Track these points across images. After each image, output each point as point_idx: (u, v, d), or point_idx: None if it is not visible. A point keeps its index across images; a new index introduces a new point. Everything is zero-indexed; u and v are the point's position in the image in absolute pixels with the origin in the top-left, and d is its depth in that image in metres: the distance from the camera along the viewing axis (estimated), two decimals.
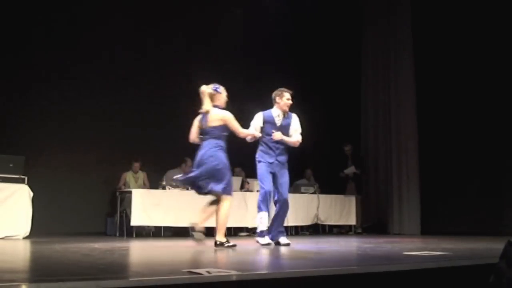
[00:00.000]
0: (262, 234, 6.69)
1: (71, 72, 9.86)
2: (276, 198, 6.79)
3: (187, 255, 5.82)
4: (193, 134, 6.51)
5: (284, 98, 6.85)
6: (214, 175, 6.22)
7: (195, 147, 10.46)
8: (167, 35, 10.69)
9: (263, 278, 3.46)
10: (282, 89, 6.93)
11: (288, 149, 6.89)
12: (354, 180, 11.08)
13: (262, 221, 6.67)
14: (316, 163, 11.55)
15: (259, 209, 6.69)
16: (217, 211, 6.25)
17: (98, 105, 10.06)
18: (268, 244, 6.62)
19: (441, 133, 10.66)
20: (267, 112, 6.91)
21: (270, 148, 6.78)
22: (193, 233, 6.28)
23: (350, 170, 11.06)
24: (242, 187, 9.80)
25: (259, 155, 6.82)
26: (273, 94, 6.92)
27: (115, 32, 10.15)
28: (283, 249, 6.29)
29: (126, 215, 8.95)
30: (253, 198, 9.40)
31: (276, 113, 6.88)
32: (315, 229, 10.46)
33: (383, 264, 4.60)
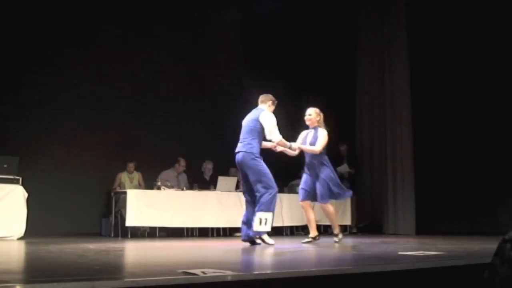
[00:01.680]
0: (268, 234, 6.67)
1: (65, 73, 9.82)
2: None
3: (182, 255, 5.82)
4: None
5: (273, 107, 6.99)
6: None
7: (189, 148, 10.47)
8: (163, 35, 10.67)
9: (258, 279, 3.46)
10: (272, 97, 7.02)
11: None
12: (349, 180, 11.07)
13: (270, 222, 6.58)
14: None
15: (271, 209, 6.56)
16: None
17: (93, 106, 10.03)
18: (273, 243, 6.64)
19: (437, 133, 10.68)
20: None
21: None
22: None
23: (344, 168, 11.04)
24: (237, 188, 9.80)
25: (257, 152, 6.70)
26: (269, 98, 6.94)
27: (110, 33, 10.13)
28: (277, 250, 6.29)
29: (121, 215, 8.93)
30: None
31: None
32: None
33: (378, 264, 4.61)
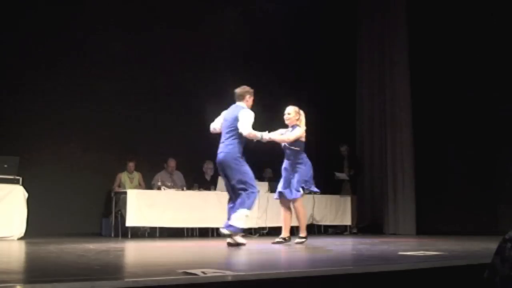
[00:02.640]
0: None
1: (65, 73, 9.81)
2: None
3: (183, 255, 5.82)
4: None
5: (252, 99, 6.91)
6: None
7: (190, 148, 10.46)
8: (163, 36, 10.66)
9: (258, 279, 3.46)
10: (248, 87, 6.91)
11: None
12: (349, 180, 11.07)
13: (247, 220, 6.70)
14: (312, 163, 11.52)
15: (251, 208, 6.62)
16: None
17: (93, 106, 10.01)
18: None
19: (437, 133, 10.69)
20: None
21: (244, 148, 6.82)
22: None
23: (342, 175, 11.02)
24: None
25: (239, 152, 6.64)
26: (245, 91, 6.84)
27: (110, 33, 10.12)
28: (278, 250, 6.29)
29: (121, 215, 8.94)
30: None
31: None
32: (311, 230, 10.45)
33: (378, 264, 4.61)
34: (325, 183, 11.03)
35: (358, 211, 10.95)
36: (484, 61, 10.05)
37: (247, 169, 6.62)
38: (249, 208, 6.53)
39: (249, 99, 6.84)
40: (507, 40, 9.79)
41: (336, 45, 11.85)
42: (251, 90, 6.87)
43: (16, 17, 9.44)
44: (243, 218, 6.49)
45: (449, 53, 10.51)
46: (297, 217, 7.15)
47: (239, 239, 6.57)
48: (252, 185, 6.59)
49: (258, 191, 6.74)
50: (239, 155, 6.62)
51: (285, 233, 7.11)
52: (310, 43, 11.94)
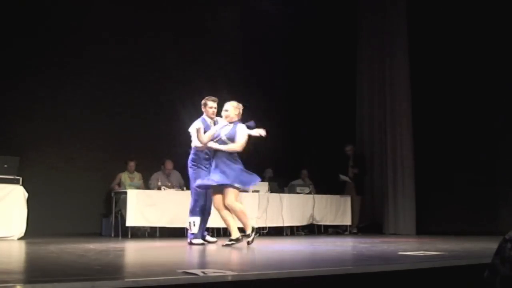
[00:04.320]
0: (196, 235, 6.97)
1: (65, 73, 9.82)
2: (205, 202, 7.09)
3: (183, 255, 5.83)
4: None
5: (207, 107, 7.15)
6: None
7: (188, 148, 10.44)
8: (162, 36, 10.67)
9: (258, 279, 3.46)
10: (207, 97, 7.20)
11: None
12: (354, 180, 11.06)
13: (198, 224, 6.96)
14: (313, 163, 11.55)
15: (194, 214, 6.98)
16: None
17: (93, 106, 10.03)
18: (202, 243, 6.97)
19: (437, 133, 10.68)
20: (202, 119, 7.12)
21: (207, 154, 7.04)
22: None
23: (345, 178, 11.01)
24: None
25: (191, 159, 7.07)
26: (202, 102, 7.23)
27: (111, 33, 10.13)
28: (278, 250, 6.29)
29: (121, 215, 8.93)
30: (248, 198, 9.39)
31: (208, 121, 7.16)
32: (311, 229, 10.47)
33: (378, 264, 4.61)
34: (330, 183, 11.05)
35: (361, 211, 10.93)
36: (485, 58, 10.03)
37: (196, 176, 6.99)
38: (193, 215, 6.97)
39: (204, 109, 7.22)
40: (508, 37, 9.78)
41: (336, 45, 11.84)
42: (205, 102, 7.20)
43: (18, 18, 9.44)
44: (191, 225, 6.95)
45: (450, 53, 10.49)
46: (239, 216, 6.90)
47: (195, 241, 6.92)
48: (194, 193, 7.01)
49: (196, 200, 7.01)
50: (192, 162, 7.07)
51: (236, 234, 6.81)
52: (310, 43, 11.93)
